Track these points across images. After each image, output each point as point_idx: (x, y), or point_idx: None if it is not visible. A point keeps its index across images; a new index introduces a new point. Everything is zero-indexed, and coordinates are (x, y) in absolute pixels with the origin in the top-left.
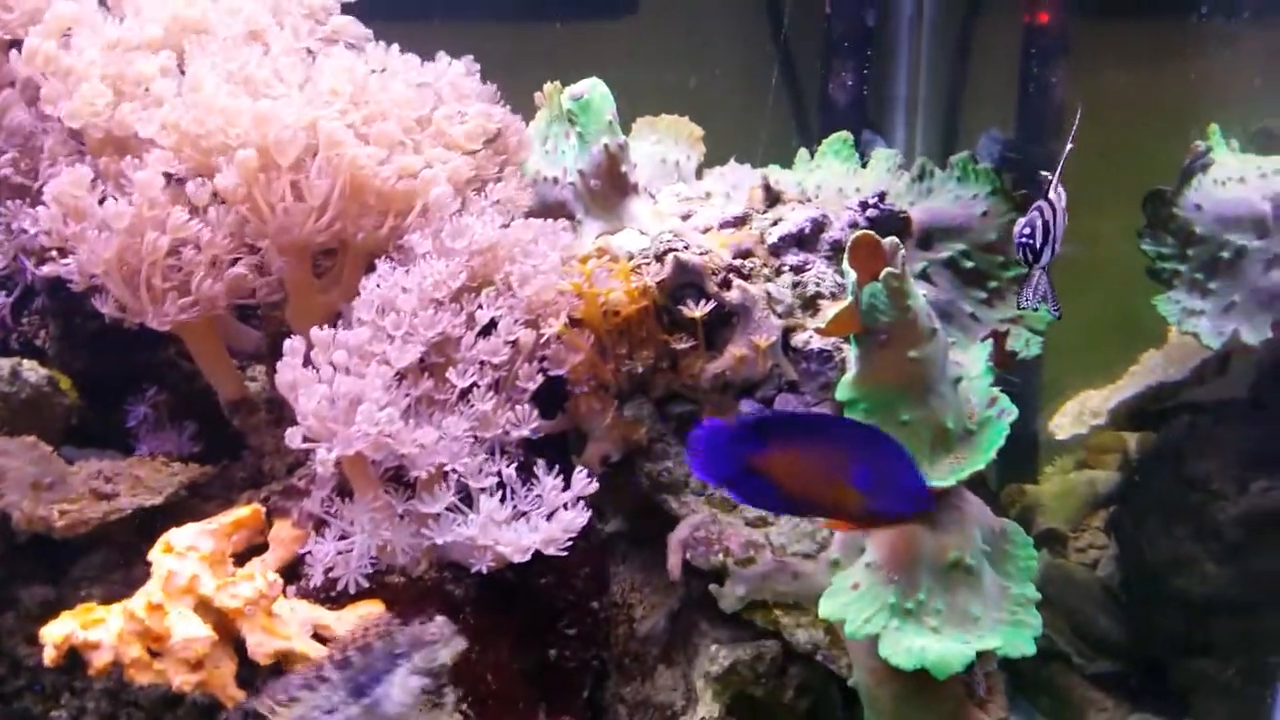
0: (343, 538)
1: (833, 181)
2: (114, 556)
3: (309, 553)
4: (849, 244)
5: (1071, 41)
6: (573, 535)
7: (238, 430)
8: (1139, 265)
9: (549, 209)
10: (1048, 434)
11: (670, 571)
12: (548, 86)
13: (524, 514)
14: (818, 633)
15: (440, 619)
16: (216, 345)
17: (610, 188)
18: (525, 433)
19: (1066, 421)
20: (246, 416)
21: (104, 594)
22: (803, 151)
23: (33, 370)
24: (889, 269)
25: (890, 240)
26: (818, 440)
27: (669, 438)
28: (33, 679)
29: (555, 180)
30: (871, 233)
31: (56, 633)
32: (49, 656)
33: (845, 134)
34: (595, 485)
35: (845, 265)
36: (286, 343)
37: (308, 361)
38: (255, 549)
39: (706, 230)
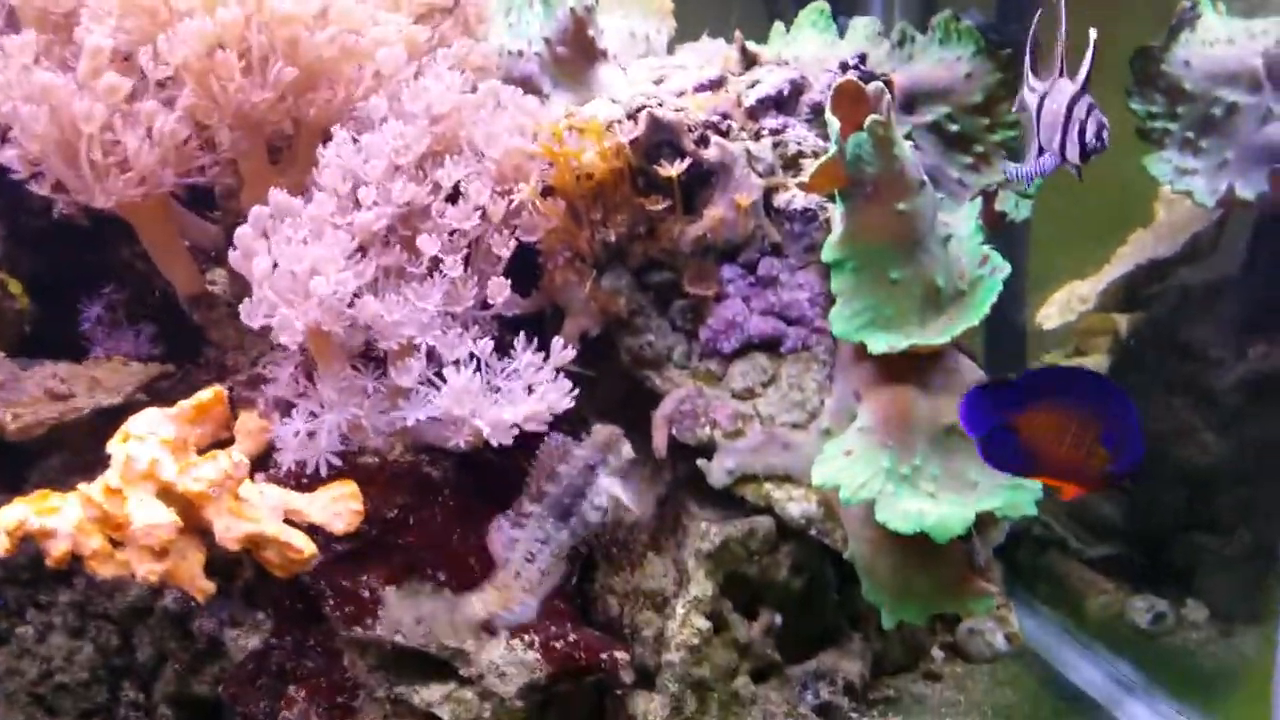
0: (311, 419)
1: (810, 52)
2: (72, 460)
3: (274, 435)
4: (832, 91)
5: None
6: (556, 413)
7: (198, 328)
8: (1126, 137)
9: (516, 83)
10: (1035, 326)
11: (656, 449)
12: None
13: (500, 389)
14: (811, 506)
15: (598, 425)
16: (171, 234)
17: (578, 55)
18: (499, 305)
19: (1054, 311)
20: (206, 311)
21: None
22: (778, 25)
23: None
24: (874, 116)
25: (875, 85)
26: (1075, 399)
27: (649, 309)
28: None
29: (520, 54)
30: (855, 79)
31: (9, 518)
32: (2, 545)
33: (821, 4)
34: (573, 353)
35: (828, 114)
36: (251, 210)
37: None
38: (221, 444)
39: (681, 94)
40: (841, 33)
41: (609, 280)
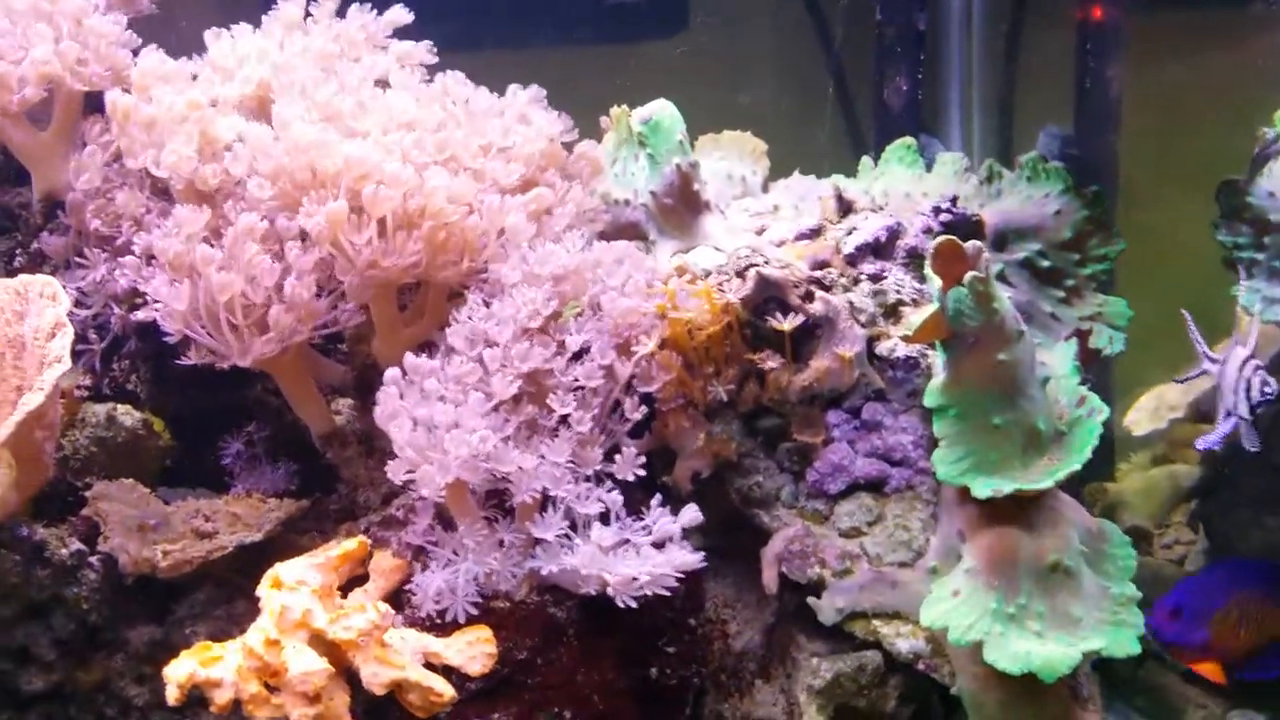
0: (445, 565)
1: (899, 187)
2: (216, 593)
3: (414, 582)
4: (931, 250)
5: (1127, 35)
6: (683, 574)
7: (329, 463)
8: (1208, 256)
9: (621, 231)
10: (1123, 430)
11: (766, 586)
12: (614, 110)
13: (627, 541)
14: (919, 641)
15: None
16: (304, 380)
17: (683, 206)
18: (629, 475)
19: (1143, 417)
20: (339, 449)
21: (209, 631)
22: (865, 160)
23: (127, 414)
24: (973, 273)
25: (973, 244)
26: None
27: (757, 452)
28: (141, 719)
29: (626, 202)
30: (953, 238)
31: (179, 672)
32: (172, 696)
33: (908, 140)
34: (700, 517)
35: (928, 271)
36: (387, 373)
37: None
38: (356, 579)
39: (782, 244)
40: (928, 164)
41: (720, 425)
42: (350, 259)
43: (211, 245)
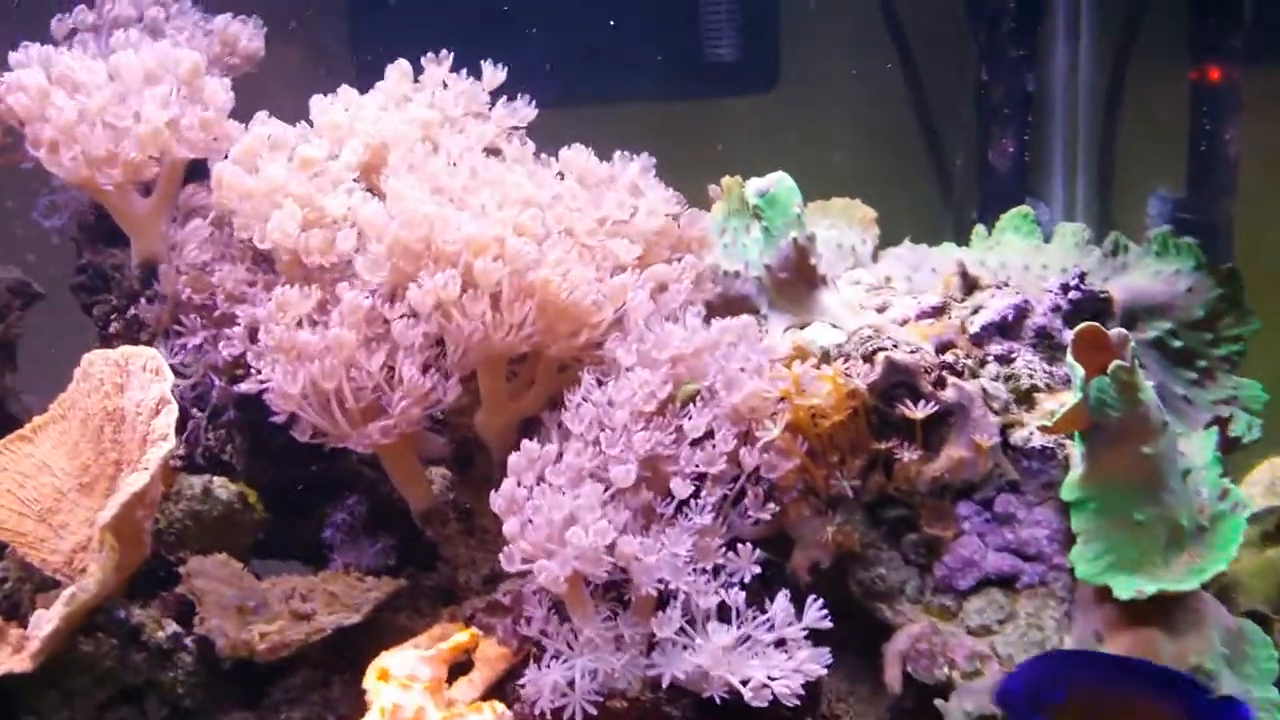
0: (560, 659)
1: (1015, 259)
2: (312, 677)
3: (526, 677)
4: (1073, 337)
5: (1243, 96)
6: (809, 681)
7: (425, 539)
8: None
9: (731, 304)
10: None
11: (890, 685)
12: (725, 180)
13: (748, 638)
14: None
15: None
16: (411, 458)
17: (799, 281)
18: (747, 575)
19: (1257, 493)
20: (439, 527)
21: (304, 716)
22: (979, 228)
23: (223, 488)
24: (1118, 362)
25: (1118, 332)
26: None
27: (881, 543)
28: None
29: (737, 274)
30: (1096, 325)
31: None
32: None
33: (1025, 208)
34: (829, 623)
35: (1070, 359)
36: (511, 461)
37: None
38: (457, 666)
39: (904, 322)
40: (1046, 236)
41: (843, 515)
42: (462, 332)
43: (316, 324)
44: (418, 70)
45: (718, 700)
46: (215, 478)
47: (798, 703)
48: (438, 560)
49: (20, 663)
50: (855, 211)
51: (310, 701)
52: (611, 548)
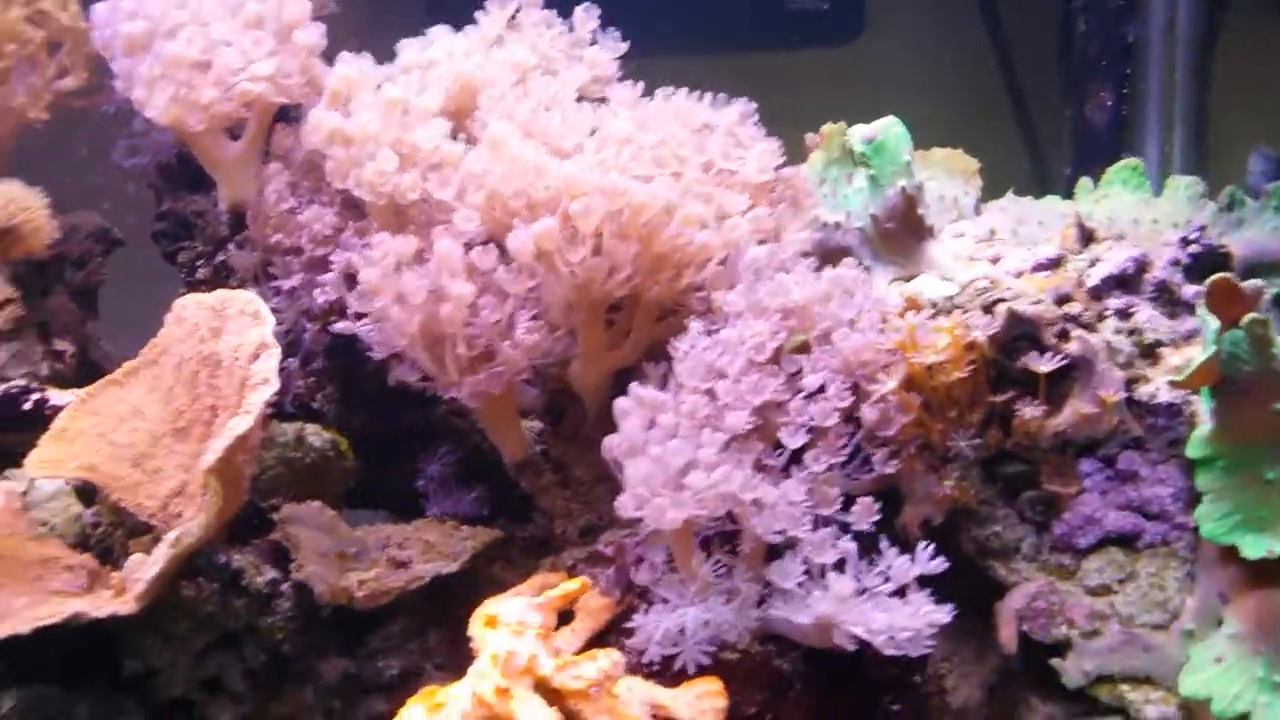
0: (665, 607)
1: (1124, 213)
2: (410, 625)
3: (635, 625)
4: (1207, 288)
5: None
6: (934, 630)
7: (515, 490)
8: None
9: (829, 256)
10: None
11: (1005, 645)
12: (826, 128)
13: (864, 590)
14: (1169, 709)
15: None
16: (511, 408)
17: (905, 232)
18: (866, 524)
19: None
20: (534, 478)
21: (402, 665)
22: (1085, 181)
23: (317, 435)
24: (1253, 315)
25: (1253, 284)
26: None
27: (996, 500)
28: None
29: (837, 225)
30: (1230, 276)
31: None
32: None
33: (1134, 161)
34: (943, 565)
35: (1201, 311)
36: (617, 403)
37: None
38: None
39: (1019, 274)
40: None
41: (958, 470)
42: (562, 279)
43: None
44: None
45: (847, 648)
46: (308, 425)
47: (929, 648)
48: (532, 511)
49: (124, 604)
50: (957, 162)
51: (408, 650)
52: (729, 494)
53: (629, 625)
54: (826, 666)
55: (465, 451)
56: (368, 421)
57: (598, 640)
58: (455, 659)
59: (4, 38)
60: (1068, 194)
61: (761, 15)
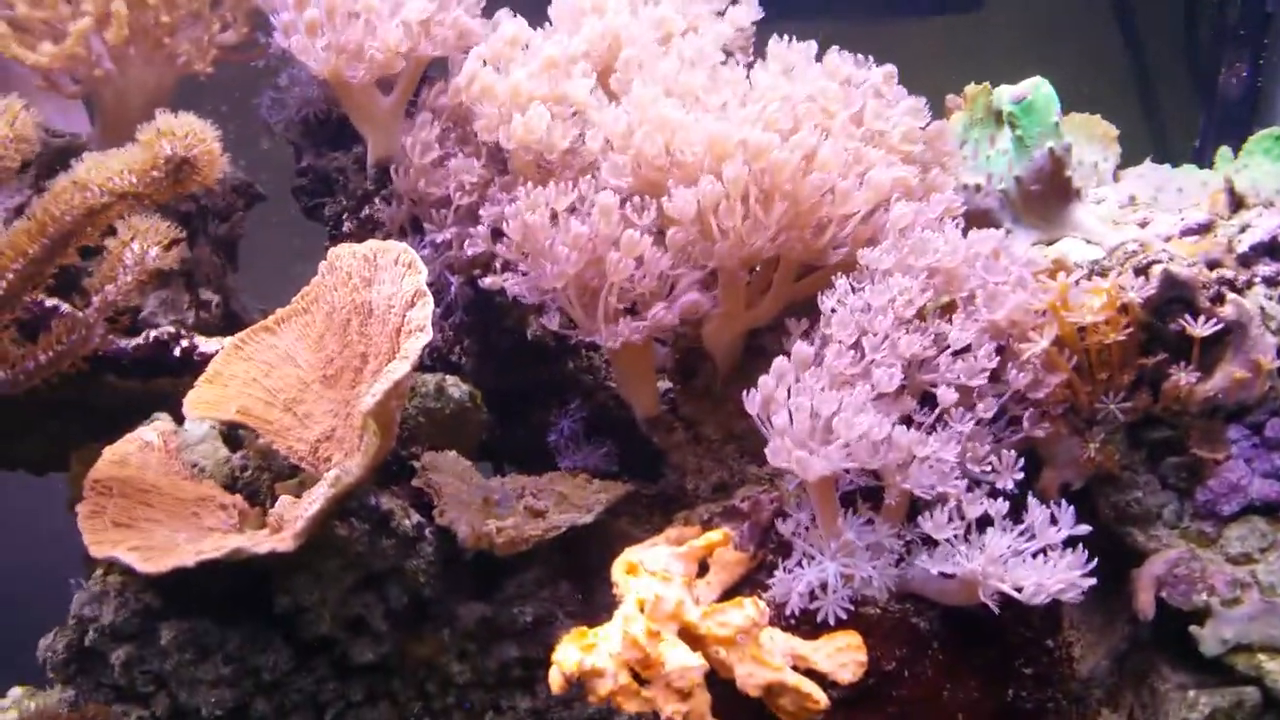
0: (804, 561)
1: (1267, 182)
2: (543, 574)
3: (775, 578)
4: None
5: None
6: (1082, 589)
7: (651, 448)
8: None
9: (970, 218)
10: None
11: (1142, 610)
12: (969, 89)
13: (1011, 548)
14: None
15: None
16: (649, 363)
17: (1052, 194)
18: (1009, 482)
19: None
20: (665, 434)
21: (535, 612)
22: (1224, 150)
23: (456, 386)
24: None
25: None
26: None
27: (1138, 466)
28: (461, 696)
29: (978, 188)
30: None
31: (569, 660)
32: (556, 683)
33: (1277, 130)
34: (1086, 528)
35: None
36: (776, 363)
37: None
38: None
39: (1168, 239)
40: None
41: (1104, 434)
42: (713, 239)
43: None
44: None
45: (991, 605)
46: (449, 376)
47: (1080, 597)
48: (665, 467)
49: (283, 542)
50: (1095, 127)
51: (541, 598)
52: (880, 444)
53: (762, 579)
54: (962, 626)
55: (593, 408)
56: (500, 376)
57: (731, 593)
58: (587, 607)
59: None
60: (1197, 164)
61: None
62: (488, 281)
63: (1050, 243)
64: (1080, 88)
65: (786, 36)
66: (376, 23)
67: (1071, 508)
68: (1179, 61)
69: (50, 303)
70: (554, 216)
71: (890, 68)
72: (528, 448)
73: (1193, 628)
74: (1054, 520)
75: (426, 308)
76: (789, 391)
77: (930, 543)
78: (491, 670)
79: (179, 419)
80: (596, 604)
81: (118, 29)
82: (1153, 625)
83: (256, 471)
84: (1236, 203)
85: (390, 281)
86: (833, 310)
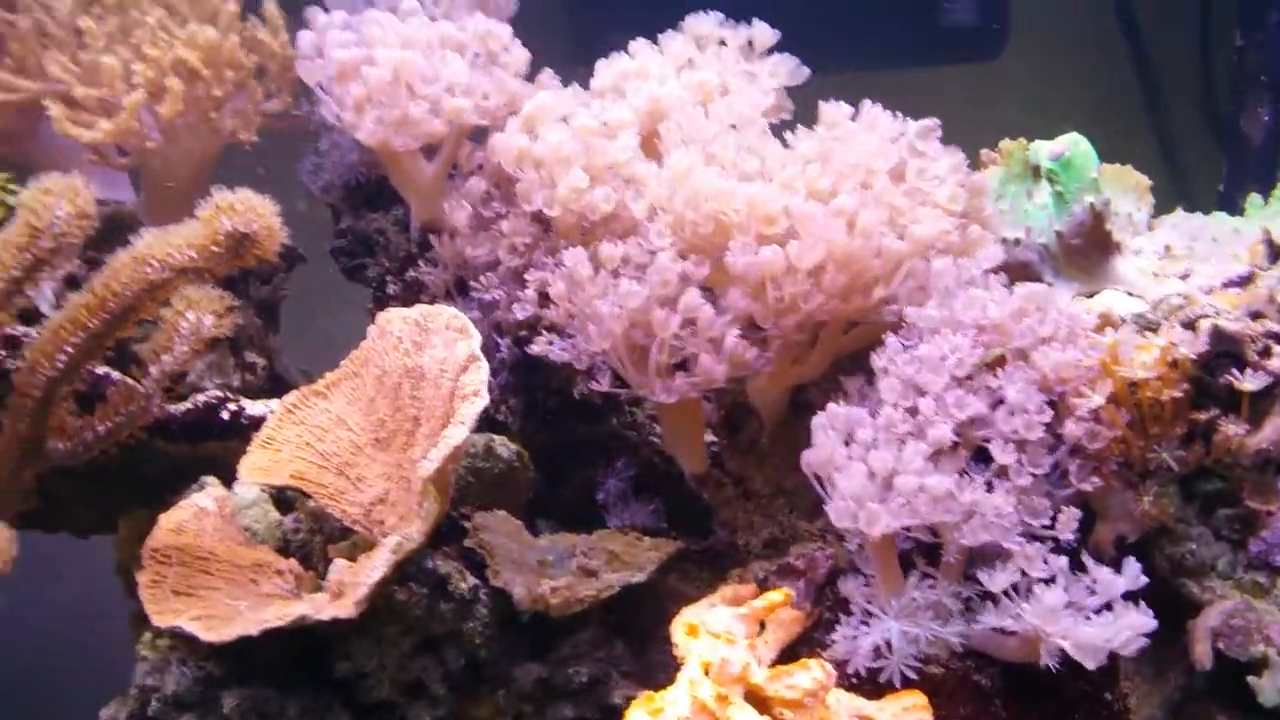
0: (866, 620)
1: None
2: (598, 633)
3: (836, 637)
4: None
5: None
6: (1144, 643)
7: (687, 503)
8: None
9: (1009, 271)
10: None
11: (1200, 661)
12: (1004, 144)
13: (1073, 603)
14: None
15: None
16: (697, 419)
17: (1092, 248)
18: (1068, 536)
19: None
20: (715, 490)
21: (590, 672)
22: (1254, 197)
23: (504, 446)
24: None
25: None
26: None
27: (1191, 517)
28: None
29: (1016, 241)
30: None
31: None
32: None
33: None
34: (1145, 579)
35: None
36: (817, 420)
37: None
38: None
39: (1209, 291)
40: None
41: (1157, 487)
42: (766, 302)
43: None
44: None
45: (1049, 666)
46: (495, 436)
47: (1141, 651)
48: (713, 523)
49: (345, 609)
50: (1128, 178)
51: (595, 658)
52: (941, 499)
53: (818, 636)
54: (1022, 682)
55: (639, 465)
56: (545, 434)
57: (787, 651)
58: (642, 668)
59: (226, 65)
60: (1223, 209)
61: (913, 31)
62: (537, 349)
63: (1091, 295)
64: (1096, 136)
65: (832, 99)
66: (423, 93)
67: (1136, 562)
68: (1196, 108)
69: (100, 370)
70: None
71: (931, 122)
72: (573, 505)
73: (1250, 678)
74: (1114, 574)
75: (481, 373)
76: (847, 451)
77: (989, 598)
78: None
79: (225, 481)
80: (650, 662)
81: (172, 104)
82: (1207, 675)
83: (309, 534)
84: (1275, 253)
85: (442, 346)
86: (884, 370)
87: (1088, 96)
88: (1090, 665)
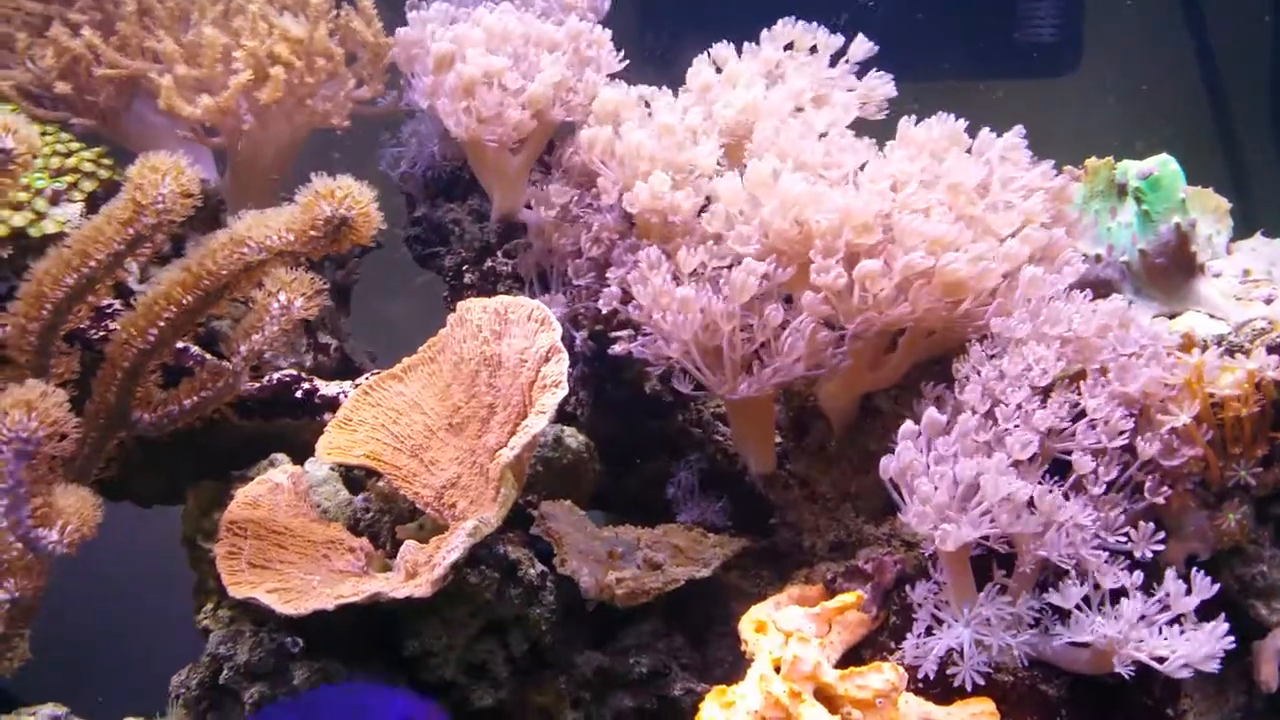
0: (936, 625)
1: None
2: (659, 625)
3: (906, 642)
4: None
5: None
6: (1220, 660)
7: (765, 504)
8: None
9: (1090, 287)
10: None
11: (1265, 682)
12: (1090, 162)
13: (1145, 616)
14: None
15: None
16: (768, 419)
17: (1176, 268)
18: (1147, 553)
19: None
20: (782, 491)
21: (650, 664)
22: None
23: (573, 437)
24: None
25: None
26: None
27: (1264, 540)
28: None
29: (1098, 258)
30: None
31: (712, 718)
32: None
33: None
34: (1216, 588)
35: None
36: (903, 428)
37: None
38: None
39: None
40: None
41: (1233, 508)
42: (849, 307)
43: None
44: None
45: (1125, 676)
46: (565, 427)
47: (1217, 669)
48: (778, 523)
49: (419, 588)
50: (1208, 200)
51: (656, 650)
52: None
53: (883, 640)
54: (1087, 694)
55: (704, 463)
56: (613, 427)
57: (851, 653)
58: (703, 662)
59: (317, 54)
60: None
61: (990, 45)
62: (619, 348)
63: (1171, 315)
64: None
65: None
66: (514, 89)
67: (1208, 577)
68: (1266, 125)
69: (180, 345)
70: (677, 281)
71: (1015, 139)
72: (637, 499)
73: None
74: (1188, 589)
75: (562, 364)
76: (927, 458)
77: (1060, 610)
78: None
79: (295, 459)
80: (708, 657)
81: (273, 89)
82: (1268, 697)
83: (378, 514)
84: None
85: (522, 336)
86: (967, 377)
87: (1158, 114)
88: (1177, 675)
